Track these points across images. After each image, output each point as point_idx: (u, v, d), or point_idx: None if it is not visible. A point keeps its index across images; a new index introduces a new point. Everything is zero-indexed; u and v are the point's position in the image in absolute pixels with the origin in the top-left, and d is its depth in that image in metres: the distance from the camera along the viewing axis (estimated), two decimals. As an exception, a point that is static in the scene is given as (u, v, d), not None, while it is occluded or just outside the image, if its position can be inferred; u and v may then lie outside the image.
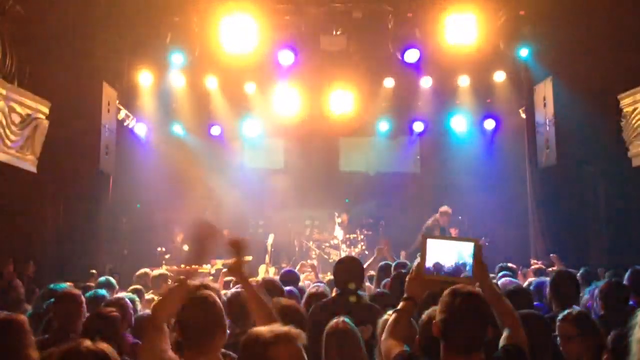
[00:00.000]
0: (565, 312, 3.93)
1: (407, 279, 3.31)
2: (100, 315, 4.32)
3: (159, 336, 2.98)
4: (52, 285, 5.99)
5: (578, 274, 6.72)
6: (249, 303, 3.35)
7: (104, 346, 2.47)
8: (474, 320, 2.75)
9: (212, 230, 3.33)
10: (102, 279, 7.28)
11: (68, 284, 6.38)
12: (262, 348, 2.36)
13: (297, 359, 2.38)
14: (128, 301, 5.06)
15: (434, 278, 3.18)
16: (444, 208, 12.56)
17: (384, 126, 14.61)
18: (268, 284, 5.23)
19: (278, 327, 2.46)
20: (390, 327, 3.15)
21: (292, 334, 2.42)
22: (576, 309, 4.11)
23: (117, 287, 7.03)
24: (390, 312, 3.54)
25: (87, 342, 2.43)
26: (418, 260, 3.35)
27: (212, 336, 3.08)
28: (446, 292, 2.85)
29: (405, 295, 3.23)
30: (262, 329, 2.46)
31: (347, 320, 3.73)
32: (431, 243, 3.23)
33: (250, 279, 3.51)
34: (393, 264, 7.01)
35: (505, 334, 3.05)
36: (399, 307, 3.23)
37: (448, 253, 3.20)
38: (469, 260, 3.16)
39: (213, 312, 3.13)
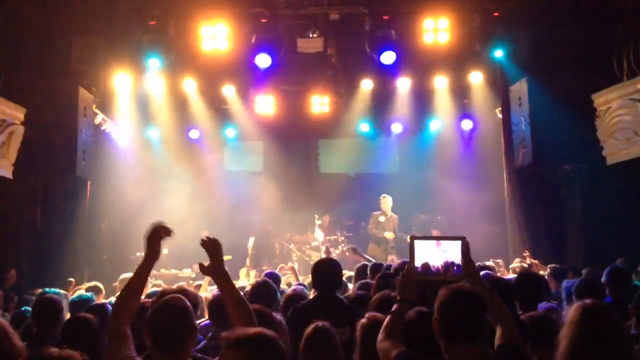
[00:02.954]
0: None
1: (397, 282, 3.33)
2: (77, 321, 4.26)
3: (124, 341, 2.96)
4: (40, 291, 5.96)
5: (546, 272, 6.83)
6: (227, 303, 3.27)
7: (71, 353, 2.45)
8: (470, 312, 2.80)
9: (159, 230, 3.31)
10: (90, 283, 7.25)
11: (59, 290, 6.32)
12: (233, 347, 2.36)
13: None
14: (109, 307, 5.00)
15: (425, 278, 3.19)
16: None
17: (362, 127, 14.66)
18: (262, 288, 5.20)
19: (257, 329, 2.46)
20: (387, 328, 3.17)
21: (269, 336, 2.42)
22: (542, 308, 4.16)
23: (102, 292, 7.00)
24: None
25: (53, 349, 2.41)
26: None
27: (180, 340, 3.06)
28: (442, 289, 2.88)
29: (398, 297, 3.25)
30: (243, 329, 2.45)
31: (325, 324, 3.73)
32: (418, 244, 3.25)
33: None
34: (369, 265, 7.04)
35: (498, 332, 3.07)
36: (393, 309, 3.24)
37: (435, 253, 3.22)
38: (457, 258, 3.18)
39: (182, 316, 3.11)
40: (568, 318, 2.66)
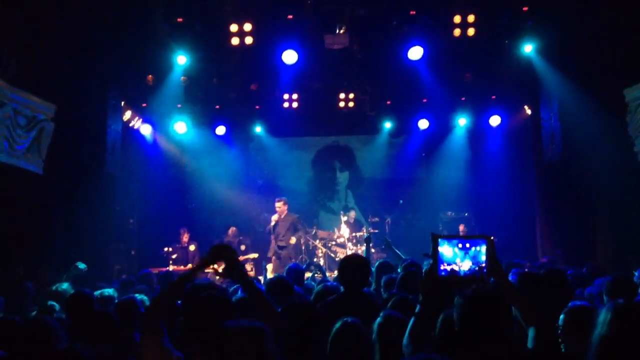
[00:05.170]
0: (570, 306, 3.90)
1: (421, 282, 3.28)
2: (98, 316, 4.27)
3: (160, 335, 2.99)
4: (54, 287, 6.02)
5: (583, 270, 6.72)
6: (252, 301, 3.34)
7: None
8: (489, 317, 2.75)
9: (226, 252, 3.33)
10: (123, 277, 7.33)
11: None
12: (226, 339, 2.42)
13: (254, 354, 2.43)
14: (138, 301, 5.05)
15: (448, 279, 3.14)
16: None
17: (388, 124, 14.61)
18: (277, 283, 5.22)
19: (246, 322, 2.52)
20: (412, 332, 3.12)
21: (256, 329, 2.47)
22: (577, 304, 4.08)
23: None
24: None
25: (80, 345, 2.45)
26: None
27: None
28: (460, 295, 2.83)
29: (421, 299, 3.21)
30: (234, 323, 2.52)
31: (355, 320, 3.71)
32: (442, 243, 3.18)
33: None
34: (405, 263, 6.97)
35: (531, 334, 2.99)
36: (417, 311, 3.21)
37: (459, 252, 3.16)
38: (482, 258, 3.12)
39: (219, 311, 3.14)
40: (601, 318, 2.59)
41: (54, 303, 5.39)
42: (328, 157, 16.10)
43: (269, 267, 12.68)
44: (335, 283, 6.11)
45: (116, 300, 5.56)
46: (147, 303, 5.61)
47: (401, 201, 14.79)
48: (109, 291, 5.75)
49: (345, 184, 16.04)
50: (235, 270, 3.29)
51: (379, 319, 3.61)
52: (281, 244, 12.64)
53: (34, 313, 5.56)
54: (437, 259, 3.12)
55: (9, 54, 8.50)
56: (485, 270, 3.10)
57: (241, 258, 13.04)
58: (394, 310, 3.87)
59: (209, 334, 3.04)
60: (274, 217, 12.80)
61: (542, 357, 2.92)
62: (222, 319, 3.07)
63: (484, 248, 3.12)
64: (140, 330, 3.12)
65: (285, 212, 12.84)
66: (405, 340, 3.11)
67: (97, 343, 2.74)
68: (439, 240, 3.14)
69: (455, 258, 3.13)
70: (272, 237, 12.79)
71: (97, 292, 5.62)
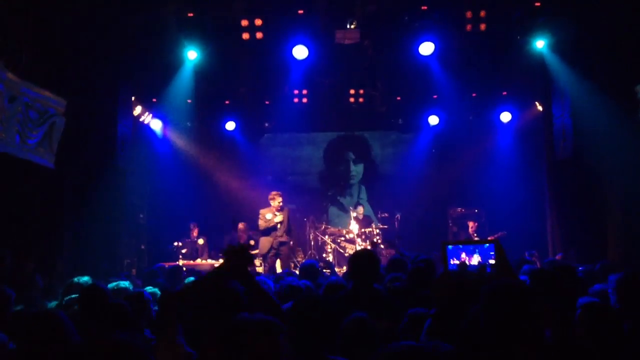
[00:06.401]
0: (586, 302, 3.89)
1: (432, 287, 3.28)
2: (114, 308, 4.27)
3: (173, 329, 2.98)
4: (75, 279, 6.02)
5: (596, 268, 6.67)
6: (256, 302, 3.31)
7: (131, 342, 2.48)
8: (518, 307, 2.70)
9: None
10: (146, 270, 7.35)
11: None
12: (244, 335, 2.41)
13: (274, 349, 2.42)
14: (148, 295, 5.01)
15: (460, 280, 3.13)
16: None
17: (399, 119, 14.57)
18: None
19: (261, 317, 2.50)
20: (429, 334, 3.13)
21: (274, 324, 2.46)
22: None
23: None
24: None
25: (117, 336, 2.44)
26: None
27: None
28: (483, 287, 2.80)
29: (435, 303, 3.21)
30: (247, 317, 2.51)
31: (364, 315, 3.69)
32: (451, 249, 3.19)
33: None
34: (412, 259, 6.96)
35: (550, 330, 2.99)
36: (432, 313, 3.20)
37: (469, 256, 3.16)
38: (490, 253, 3.13)
39: (236, 305, 3.14)
40: None
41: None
42: (342, 148, 16.05)
43: (277, 262, 12.54)
44: (341, 278, 6.10)
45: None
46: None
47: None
48: (125, 283, 5.74)
49: (360, 177, 16.00)
50: (242, 272, 3.28)
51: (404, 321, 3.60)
52: (282, 239, 12.01)
53: (52, 304, 5.57)
54: (447, 264, 3.14)
55: (20, 48, 8.52)
56: (489, 268, 3.11)
57: (253, 252, 13.02)
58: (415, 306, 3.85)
59: (221, 328, 3.04)
60: (278, 213, 11.92)
61: (563, 351, 2.90)
62: (233, 313, 3.09)
63: (489, 248, 3.13)
64: (155, 325, 3.13)
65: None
66: (423, 339, 3.11)
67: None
68: (447, 247, 3.16)
69: (462, 252, 3.15)
70: (273, 234, 11.93)
71: (111, 285, 5.62)
